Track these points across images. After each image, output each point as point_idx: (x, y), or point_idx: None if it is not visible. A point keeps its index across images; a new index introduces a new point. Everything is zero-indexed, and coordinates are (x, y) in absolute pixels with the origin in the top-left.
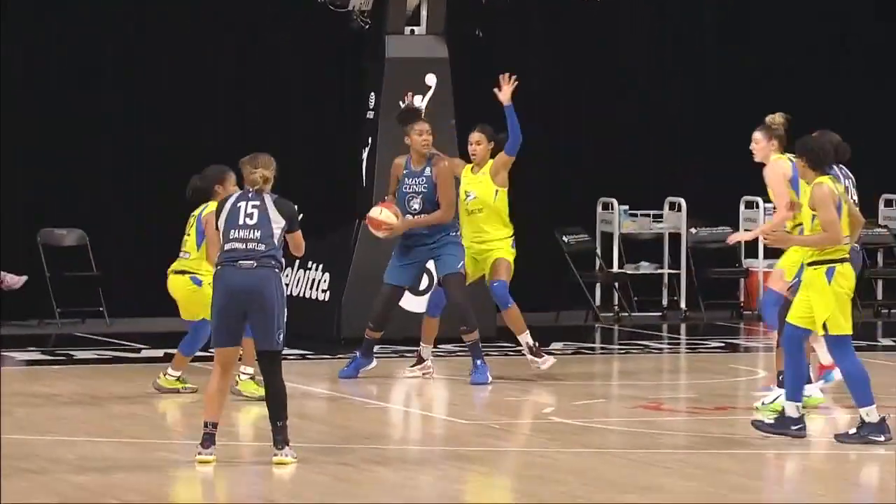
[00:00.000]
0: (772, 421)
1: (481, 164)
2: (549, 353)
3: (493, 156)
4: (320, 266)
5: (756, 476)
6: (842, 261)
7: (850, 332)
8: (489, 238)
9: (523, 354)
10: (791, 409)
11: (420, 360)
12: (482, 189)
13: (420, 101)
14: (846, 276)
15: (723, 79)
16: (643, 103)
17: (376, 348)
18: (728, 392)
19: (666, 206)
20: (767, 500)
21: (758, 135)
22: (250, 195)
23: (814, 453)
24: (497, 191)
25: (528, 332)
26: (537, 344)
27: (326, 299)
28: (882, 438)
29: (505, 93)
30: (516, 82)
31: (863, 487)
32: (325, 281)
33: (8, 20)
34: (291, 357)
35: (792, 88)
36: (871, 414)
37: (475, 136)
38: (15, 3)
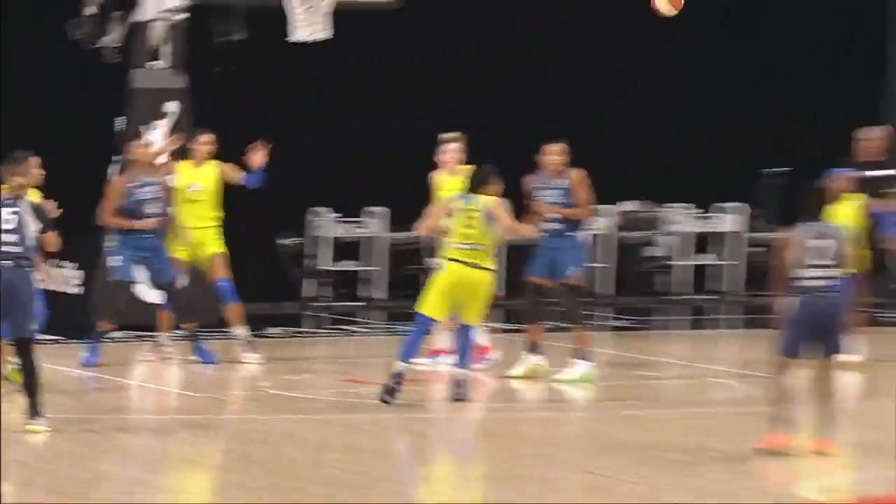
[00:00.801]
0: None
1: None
2: (266, 337)
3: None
4: (74, 264)
5: (426, 434)
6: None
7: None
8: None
9: (240, 343)
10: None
11: (159, 345)
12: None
13: (162, 125)
14: (449, 270)
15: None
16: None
17: (120, 334)
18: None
19: (366, 214)
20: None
21: None
22: (9, 201)
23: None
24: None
25: (245, 326)
26: (250, 338)
27: (79, 293)
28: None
29: (257, 159)
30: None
31: None
32: (78, 277)
33: None
34: (46, 342)
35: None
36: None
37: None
38: None
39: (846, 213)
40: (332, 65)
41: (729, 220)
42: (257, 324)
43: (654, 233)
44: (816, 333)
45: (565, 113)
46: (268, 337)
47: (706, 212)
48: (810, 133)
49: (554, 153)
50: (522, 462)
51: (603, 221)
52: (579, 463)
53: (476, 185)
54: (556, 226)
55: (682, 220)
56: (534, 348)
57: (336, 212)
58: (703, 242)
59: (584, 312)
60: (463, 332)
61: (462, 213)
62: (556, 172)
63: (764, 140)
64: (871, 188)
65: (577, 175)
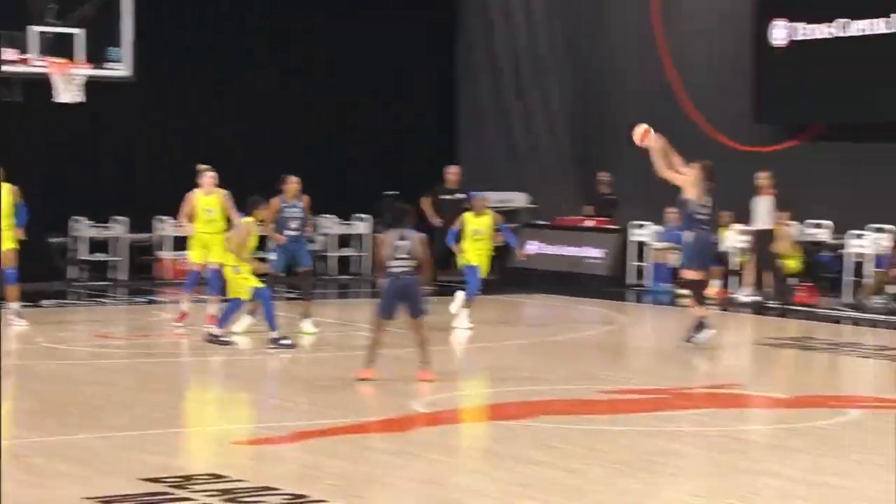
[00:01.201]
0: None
1: None
2: (40, 306)
3: None
4: None
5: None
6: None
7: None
8: None
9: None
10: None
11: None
12: None
13: None
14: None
15: None
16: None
17: None
18: (148, 324)
19: (112, 221)
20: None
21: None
22: None
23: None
24: None
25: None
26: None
27: None
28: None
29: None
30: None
31: None
32: None
33: None
34: None
35: None
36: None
37: None
38: None
39: (484, 222)
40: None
41: (362, 225)
42: (36, 298)
43: (315, 234)
44: (401, 303)
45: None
46: (41, 307)
47: (347, 220)
48: (415, 165)
49: (293, 182)
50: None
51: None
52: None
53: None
54: (295, 234)
55: (331, 225)
56: (306, 315)
57: (90, 219)
58: (346, 240)
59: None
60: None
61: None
62: (294, 196)
63: (384, 170)
64: (453, 206)
65: (305, 200)
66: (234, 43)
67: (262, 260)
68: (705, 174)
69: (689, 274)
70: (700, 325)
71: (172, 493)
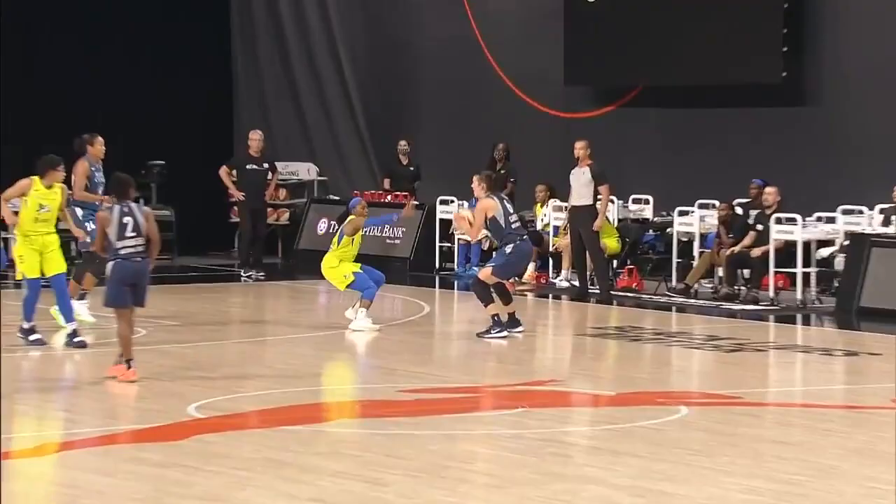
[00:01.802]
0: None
1: None
2: None
3: None
4: None
5: None
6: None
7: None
8: None
9: None
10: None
11: None
12: None
13: None
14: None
15: None
16: None
17: None
18: None
19: None
20: None
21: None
22: None
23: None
24: None
25: None
26: None
27: None
28: None
29: None
30: None
31: None
32: None
33: None
34: None
35: None
36: None
37: None
38: None
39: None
40: None
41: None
42: None
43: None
44: (130, 288)
45: None
46: None
47: None
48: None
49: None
50: None
51: None
52: None
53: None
54: None
55: None
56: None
57: None
58: None
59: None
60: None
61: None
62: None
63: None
64: (256, 177)
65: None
66: None
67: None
68: (489, 184)
69: (492, 279)
70: (498, 322)
71: None
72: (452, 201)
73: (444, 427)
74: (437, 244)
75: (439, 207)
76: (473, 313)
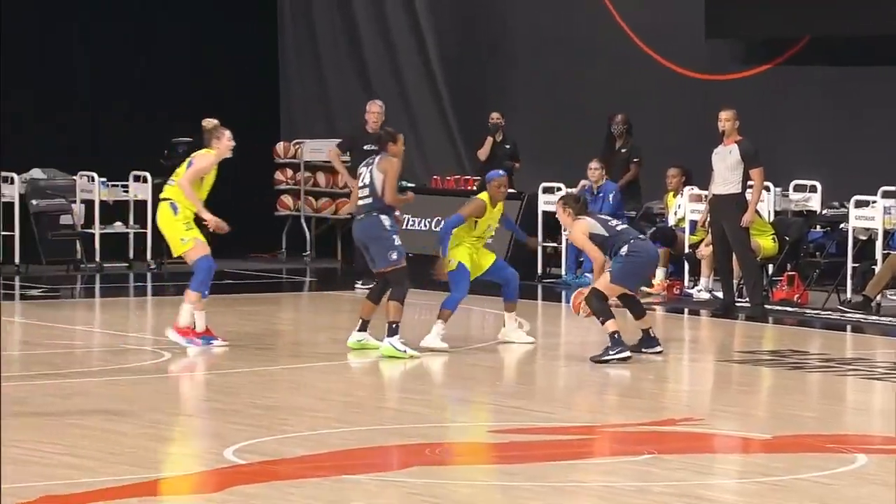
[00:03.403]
0: None
1: None
2: None
3: None
4: None
5: None
6: None
7: None
8: None
9: None
10: None
11: None
12: None
13: None
14: None
15: None
16: None
17: None
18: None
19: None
20: None
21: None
22: None
23: None
24: None
25: None
26: None
27: None
28: None
29: None
30: None
31: None
32: None
33: None
34: None
35: None
36: None
37: None
38: None
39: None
40: None
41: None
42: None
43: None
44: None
45: None
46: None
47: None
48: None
49: None
50: None
51: (7, 189)
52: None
53: None
54: None
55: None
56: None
57: None
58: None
59: None
60: None
61: None
62: None
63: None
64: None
65: None
66: None
67: None
68: (575, 208)
69: (614, 290)
70: (619, 341)
71: None
72: (559, 188)
73: (548, 477)
74: (539, 244)
75: (542, 197)
76: (587, 333)
